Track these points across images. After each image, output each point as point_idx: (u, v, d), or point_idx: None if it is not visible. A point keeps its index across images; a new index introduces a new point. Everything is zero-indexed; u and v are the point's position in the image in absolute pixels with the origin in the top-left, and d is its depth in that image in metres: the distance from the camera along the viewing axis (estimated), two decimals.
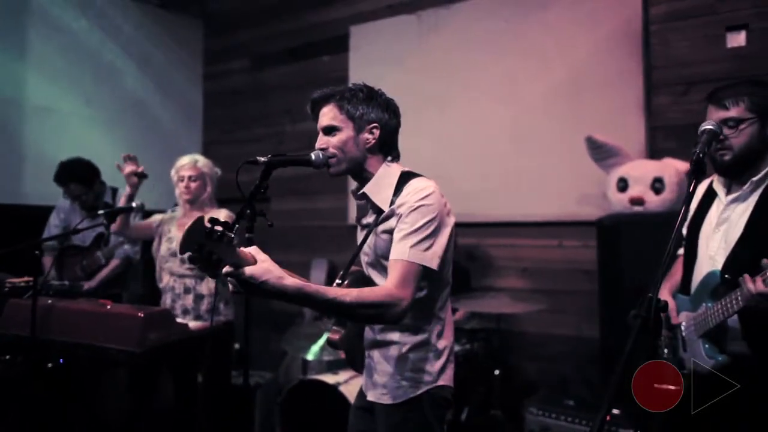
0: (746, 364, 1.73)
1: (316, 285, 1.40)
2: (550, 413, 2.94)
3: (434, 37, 4.14)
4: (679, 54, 3.39)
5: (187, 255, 1.21)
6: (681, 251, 2.12)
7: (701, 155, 1.28)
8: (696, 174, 1.26)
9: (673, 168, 3.03)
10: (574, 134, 3.40)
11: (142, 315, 2.28)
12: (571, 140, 3.47)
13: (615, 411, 2.63)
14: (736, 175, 1.84)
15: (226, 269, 1.28)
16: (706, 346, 1.79)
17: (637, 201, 3.01)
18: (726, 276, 1.75)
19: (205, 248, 1.18)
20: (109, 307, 2.43)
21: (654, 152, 3.38)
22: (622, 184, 3.10)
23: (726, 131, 1.74)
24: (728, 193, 1.88)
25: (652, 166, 3.09)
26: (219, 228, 1.18)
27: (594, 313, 3.25)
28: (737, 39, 3.24)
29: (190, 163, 3.07)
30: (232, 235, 1.20)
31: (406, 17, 4.28)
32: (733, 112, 1.76)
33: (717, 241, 1.85)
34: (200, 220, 1.18)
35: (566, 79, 3.65)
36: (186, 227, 1.19)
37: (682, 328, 1.88)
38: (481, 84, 3.94)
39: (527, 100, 3.77)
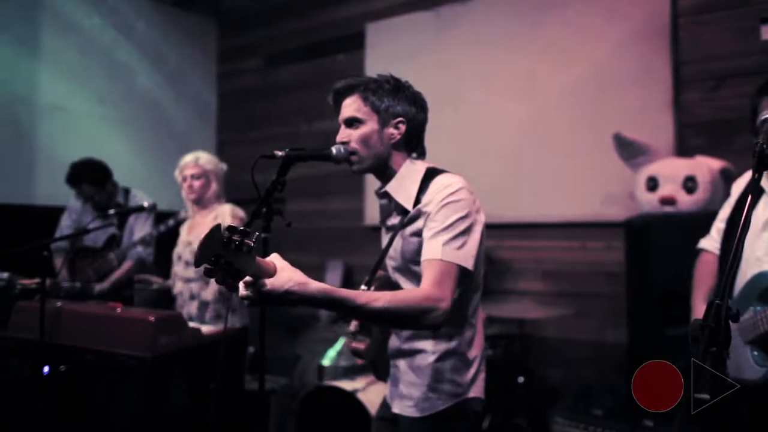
0: None
1: (344, 289, 1.28)
2: (577, 423, 2.81)
3: (452, 34, 4.02)
4: (709, 48, 3.25)
5: (203, 267, 1.07)
6: (709, 250, 2.00)
7: (765, 146, 1.17)
8: (760, 167, 1.15)
9: (706, 166, 2.89)
10: (599, 132, 3.28)
11: (153, 319, 2.19)
12: (595, 138, 3.34)
13: (648, 423, 2.50)
14: None
15: (246, 280, 1.17)
16: (755, 353, 1.66)
17: (668, 201, 2.88)
18: None
19: (222, 260, 1.06)
20: (119, 310, 2.36)
21: (683, 150, 3.24)
22: (652, 184, 2.97)
23: None
24: None
25: (684, 164, 2.95)
26: (237, 237, 1.06)
27: (619, 316, 3.12)
28: None
29: (192, 161, 3.00)
30: (252, 244, 1.08)
31: (423, 14, 4.18)
32: None
33: (765, 242, 1.72)
34: (216, 228, 1.06)
35: (589, 76, 3.52)
36: (200, 237, 1.07)
37: None
38: (500, 82, 3.82)
39: (547, 97, 3.65)
